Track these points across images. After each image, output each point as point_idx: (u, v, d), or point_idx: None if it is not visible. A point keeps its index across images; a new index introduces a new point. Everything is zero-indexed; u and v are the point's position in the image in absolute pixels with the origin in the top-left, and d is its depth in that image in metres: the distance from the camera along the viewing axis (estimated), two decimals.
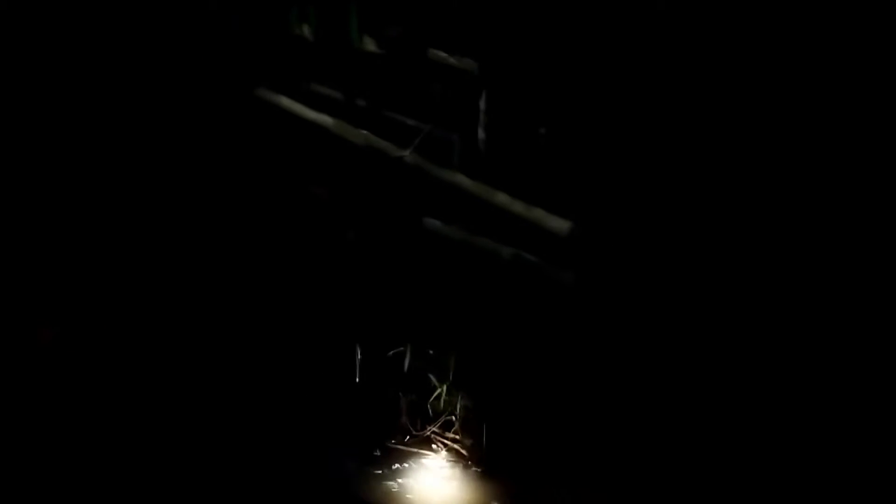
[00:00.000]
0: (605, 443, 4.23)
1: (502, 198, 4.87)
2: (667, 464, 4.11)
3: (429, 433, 4.38)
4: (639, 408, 4.32)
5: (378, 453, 4.28)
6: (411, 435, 4.37)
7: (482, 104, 4.91)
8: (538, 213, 4.80)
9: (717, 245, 4.59)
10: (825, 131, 4.34)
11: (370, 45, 5.04)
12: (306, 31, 5.12)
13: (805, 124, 4.36)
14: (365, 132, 5.17)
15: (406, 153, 5.04)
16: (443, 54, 4.96)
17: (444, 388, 4.48)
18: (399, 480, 4.18)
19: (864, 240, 4.31)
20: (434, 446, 4.35)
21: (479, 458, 4.27)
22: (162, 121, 5.46)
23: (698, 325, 4.49)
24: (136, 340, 4.64)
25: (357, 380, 4.58)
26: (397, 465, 4.25)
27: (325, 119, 5.26)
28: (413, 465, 4.27)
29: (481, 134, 4.96)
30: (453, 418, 4.41)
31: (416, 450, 4.33)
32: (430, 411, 4.44)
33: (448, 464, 4.28)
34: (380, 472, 4.21)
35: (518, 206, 4.84)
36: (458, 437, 4.36)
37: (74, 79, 5.44)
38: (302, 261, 5.07)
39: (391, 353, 4.59)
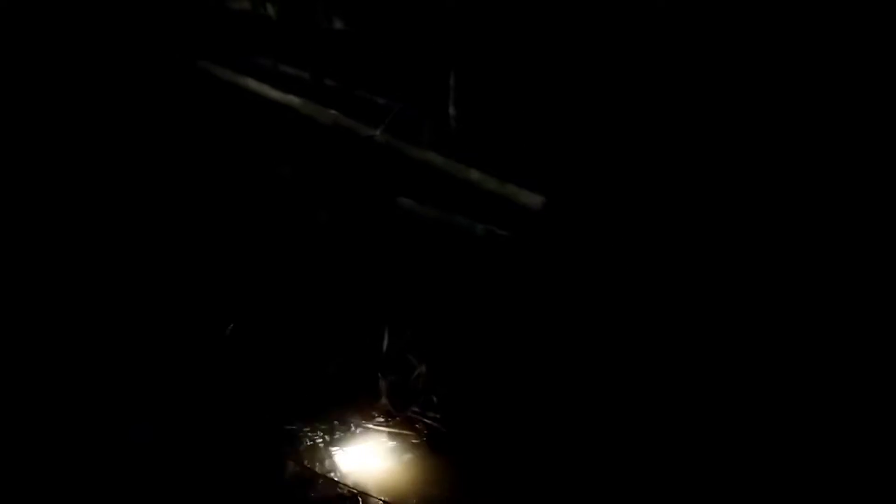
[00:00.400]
0: (585, 417, 4.24)
1: (475, 174, 4.86)
2: (645, 437, 4.13)
3: (410, 413, 4.33)
4: (618, 385, 4.34)
5: (358, 435, 4.23)
6: (392, 416, 4.31)
7: (452, 81, 4.89)
8: (511, 189, 4.80)
9: (687, 217, 4.65)
10: (809, 124, 4.46)
11: (337, 23, 4.99)
12: (270, 9, 5.04)
13: (789, 116, 4.48)
14: (334, 112, 5.11)
15: (376, 132, 5.00)
16: (411, 32, 4.94)
17: (424, 367, 4.44)
18: (380, 462, 4.13)
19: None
20: (416, 426, 4.30)
21: (459, 437, 4.23)
22: (118, 103, 5.33)
23: (671, 298, 4.53)
24: (95, 322, 4.50)
25: (336, 362, 4.51)
26: (378, 447, 4.19)
27: (292, 99, 5.18)
28: (394, 445, 4.22)
29: (452, 111, 4.94)
30: (433, 398, 4.37)
31: (397, 430, 4.26)
32: (411, 391, 4.40)
33: (429, 444, 4.24)
34: (361, 453, 4.16)
35: (491, 183, 4.83)
36: (438, 416, 4.32)
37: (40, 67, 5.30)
38: (276, 244, 4.99)
39: (370, 334, 4.55)
